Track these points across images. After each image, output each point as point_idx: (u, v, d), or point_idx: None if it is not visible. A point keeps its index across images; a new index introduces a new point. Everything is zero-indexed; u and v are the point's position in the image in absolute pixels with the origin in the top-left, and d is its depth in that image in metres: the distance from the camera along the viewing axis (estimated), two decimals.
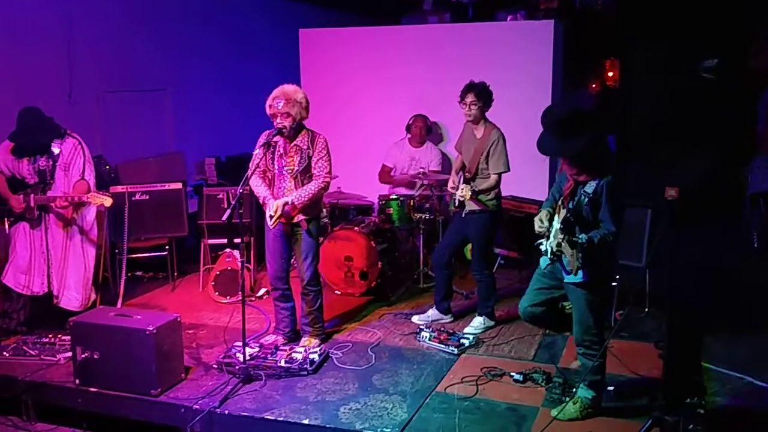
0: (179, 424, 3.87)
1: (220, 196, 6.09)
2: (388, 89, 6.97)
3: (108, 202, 4.62)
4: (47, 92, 5.93)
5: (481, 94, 4.70)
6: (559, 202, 3.58)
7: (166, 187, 5.92)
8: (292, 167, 4.38)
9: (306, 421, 3.67)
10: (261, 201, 4.45)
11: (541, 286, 3.78)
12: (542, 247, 3.59)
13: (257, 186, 4.44)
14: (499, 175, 4.71)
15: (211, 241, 6.02)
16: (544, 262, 3.71)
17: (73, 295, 4.86)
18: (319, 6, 9.48)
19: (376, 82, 7.04)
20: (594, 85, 11.56)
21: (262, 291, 5.69)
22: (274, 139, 4.38)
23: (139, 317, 4.12)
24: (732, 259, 5.32)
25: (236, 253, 5.60)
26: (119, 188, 5.73)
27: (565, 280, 3.59)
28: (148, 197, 5.80)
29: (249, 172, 4.36)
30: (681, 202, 3.26)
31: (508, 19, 7.55)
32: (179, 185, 6.01)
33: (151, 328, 3.91)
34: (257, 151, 4.38)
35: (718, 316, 4.74)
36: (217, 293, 5.56)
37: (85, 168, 4.81)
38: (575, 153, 3.39)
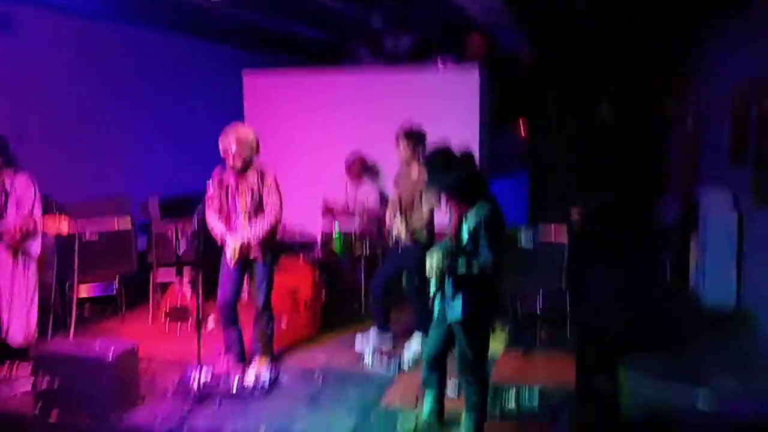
0: None
1: (169, 234, 6.36)
2: (329, 128, 7.42)
3: (64, 227, 4.81)
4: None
5: (410, 136, 5.20)
6: (446, 240, 3.87)
7: (116, 227, 6.15)
8: (244, 205, 4.72)
9: None
10: (219, 239, 4.77)
11: (437, 336, 3.95)
12: (430, 290, 3.83)
13: (214, 224, 4.76)
14: (431, 210, 5.17)
15: (160, 280, 6.26)
16: (435, 308, 3.91)
17: (18, 329, 4.94)
18: (260, 50, 9.89)
19: (317, 121, 7.48)
20: (522, 126, 12.34)
21: (211, 325, 5.93)
22: (226, 177, 4.72)
23: (95, 346, 4.35)
24: (637, 288, 5.91)
25: (185, 285, 5.89)
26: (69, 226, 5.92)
27: (448, 320, 3.80)
28: (96, 237, 6.01)
29: (204, 208, 4.67)
30: (584, 224, 3.74)
31: (438, 62, 8.18)
32: (128, 224, 6.25)
33: (110, 356, 4.16)
34: (211, 190, 4.68)
35: (625, 340, 5.23)
36: (168, 324, 5.80)
37: (35, 205, 5.01)
38: (447, 186, 3.75)
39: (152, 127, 8.49)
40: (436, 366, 4.03)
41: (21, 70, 6.57)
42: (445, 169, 3.74)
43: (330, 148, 7.33)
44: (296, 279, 5.91)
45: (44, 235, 4.99)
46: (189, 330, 5.76)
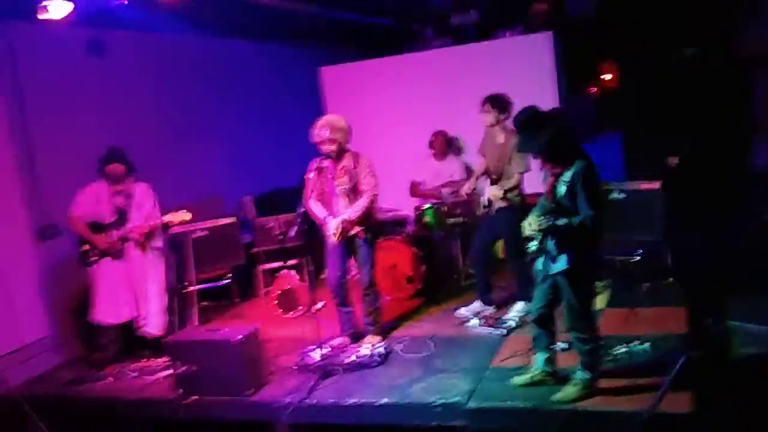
0: (272, 419, 4.43)
1: (270, 225, 6.73)
2: (407, 111, 7.61)
3: (188, 216, 5.25)
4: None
5: (495, 102, 5.33)
6: (543, 199, 3.96)
7: (222, 222, 6.56)
8: (343, 187, 4.98)
9: (385, 401, 4.22)
10: (320, 221, 5.06)
11: (543, 293, 4.05)
12: (530, 249, 3.97)
13: (316, 208, 5.06)
14: (521, 174, 5.30)
15: (266, 266, 6.64)
16: (537, 267, 4.01)
17: (154, 320, 5.44)
18: (332, 46, 10.16)
19: (396, 106, 7.69)
20: (594, 89, 12.21)
21: (320, 304, 6.25)
22: (324, 163, 4.99)
23: (223, 331, 4.73)
24: (734, 232, 5.81)
25: (292, 272, 6.23)
26: (180, 228, 6.35)
27: (552, 272, 3.88)
28: (207, 232, 6.42)
29: (305, 196, 4.98)
30: (681, 170, 3.77)
31: (507, 35, 8.22)
32: (234, 219, 6.65)
33: (237, 338, 4.51)
34: (311, 176, 4.98)
35: (728, 286, 5.18)
36: (280, 310, 6.14)
37: (155, 207, 5.48)
38: (540, 148, 3.85)
39: (241, 131, 8.90)
40: (544, 323, 4.15)
41: (119, 90, 7.02)
42: (536, 130, 3.83)
43: (410, 130, 7.52)
44: (394, 256, 6.15)
45: (166, 230, 5.43)
46: (299, 313, 6.09)
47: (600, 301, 5.36)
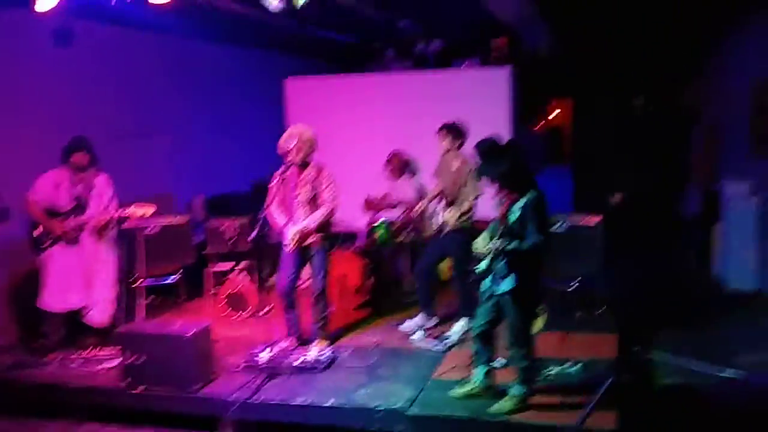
0: (217, 414, 4.53)
1: (223, 227, 6.82)
2: (366, 129, 7.88)
3: (150, 210, 5.32)
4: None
5: (450, 129, 5.66)
6: (495, 222, 4.24)
7: (175, 221, 6.60)
8: (303, 197, 5.16)
9: (331, 403, 4.39)
10: (279, 228, 5.22)
11: (486, 311, 4.31)
12: (478, 269, 4.25)
13: (277, 215, 5.22)
14: (475, 199, 5.59)
15: (216, 268, 6.73)
16: (483, 287, 4.29)
17: (102, 309, 5.49)
18: (296, 56, 10.35)
19: (355, 124, 7.95)
20: (542, 122, 12.79)
21: (269, 307, 6.37)
22: (287, 173, 5.17)
23: (175, 326, 4.82)
24: (666, 273, 6.29)
25: (242, 275, 6.36)
26: (133, 222, 6.39)
27: (498, 291, 4.16)
28: (159, 229, 6.46)
29: (267, 202, 5.14)
30: (624, 206, 4.13)
31: (466, 64, 8.58)
32: (186, 218, 6.72)
33: (190, 333, 4.62)
34: (274, 183, 5.16)
35: (657, 319, 5.60)
36: (229, 310, 6.24)
37: (113, 200, 5.54)
38: (499, 175, 4.15)
39: (197, 131, 8.95)
40: (485, 340, 4.43)
41: (79, 79, 7.02)
42: (496, 158, 4.15)
43: (367, 147, 7.76)
44: (344, 267, 6.35)
45: (121, 223, 5.50)
46: (247, 314, 6.21)
47: (537, 325, 5.67)
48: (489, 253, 4.15)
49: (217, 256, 6.82)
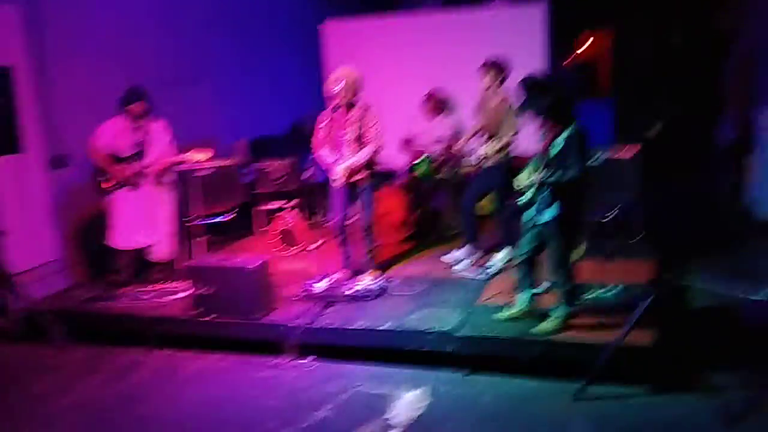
0: (282, 339, 4.93)
1: (270, 169, 7.15)
2: (403, 70, 8.02)
3: (208, 154, 5.65)
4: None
5: (493, 65, 5.79)
6: (538, 158, 4.45)
7: (225, 162, 6.93)
8: (350, 136, 5.42)
9: (386, 326, 4.75)
10: (328, 166, 5.51)
11: (529, 239, 4.57)
12: (521, 201, 4.49)
13: (325, 155, 5.50)
14: (514, 135, 5.79)
15: (266, 206, 7.09)
16: (526, 217, 4.53)
17: (164, 246, 5.91)
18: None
19: (392, 65, 8.09)
20: (574, 56, 12.74)
21: (319, 242, 6.73)
22: (335, 114, 5.42)
23: (238, 259, 5.20)
24: (702, 198, 6.46)
25: (293, 213, 6.70)
26: (188, 165, 6.72)
27: (541, 221, 4.39)
28: (212, 172, 6.79)
29: (316, 143, 5.42)
30: (660, 135, 4.30)
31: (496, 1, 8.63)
32: (236, 160, 7.05)
33: (252, 266, 4.98)
34: (322, 125, 5.42)
35: (690, 245, 5.79)
36: (282, 246, 6.61)
37: (171, 143, 5.87)
38: (543, 109, 4.35)
39: (237, 77, 9.17)
40: (528, 266, 4.71)
41: (133, 31, 7.24)
42: (541, 93, 4.35)
43: (404, 88, 7.91)
44: (388, 203, 6.65)
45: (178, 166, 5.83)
46: (299, 250, 6.57)
47: (576, 253, 5.94)
48: (532, 185, 4.39)
49: (266, 195, 7.17)
